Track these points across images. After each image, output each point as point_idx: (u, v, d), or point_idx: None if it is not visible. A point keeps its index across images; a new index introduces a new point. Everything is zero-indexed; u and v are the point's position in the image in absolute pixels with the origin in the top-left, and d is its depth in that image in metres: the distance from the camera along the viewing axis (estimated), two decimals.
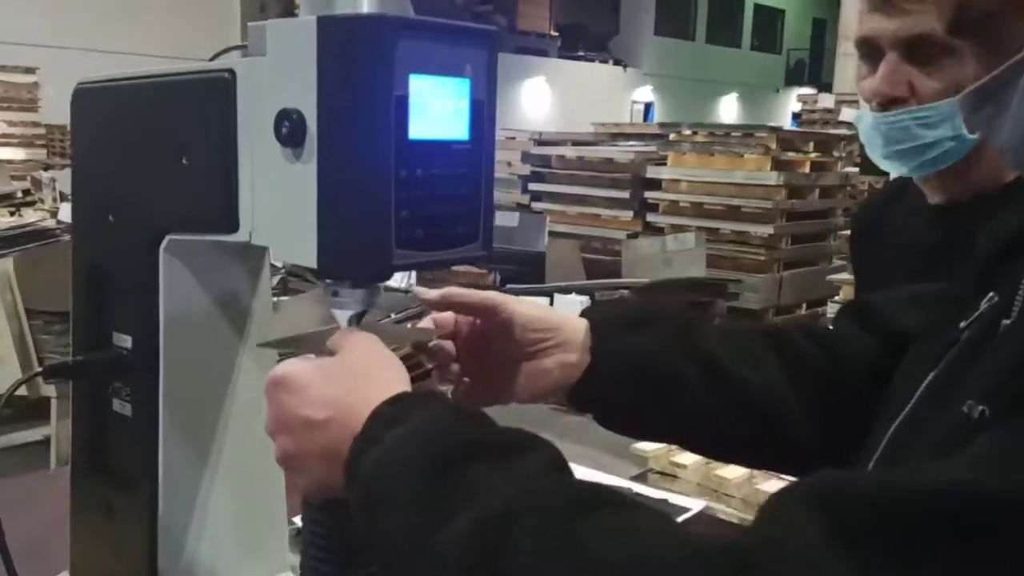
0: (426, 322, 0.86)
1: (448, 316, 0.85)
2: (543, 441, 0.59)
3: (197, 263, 0.88)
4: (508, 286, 5.38)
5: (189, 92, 0.82)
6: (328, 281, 0.76)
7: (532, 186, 7.31)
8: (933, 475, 0.48)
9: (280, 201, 0.75)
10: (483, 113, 0.74)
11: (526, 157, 7.36)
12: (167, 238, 0.85)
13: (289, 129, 0.71)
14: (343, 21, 0.69)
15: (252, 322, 0.92)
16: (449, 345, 0.85)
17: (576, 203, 6.90)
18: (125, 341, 0.91)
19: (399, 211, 0.69)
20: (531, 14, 17.98)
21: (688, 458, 3.05)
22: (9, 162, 9.21)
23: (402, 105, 0.68)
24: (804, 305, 6.12)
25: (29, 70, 9.26)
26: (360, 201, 0.69)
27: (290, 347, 0.77)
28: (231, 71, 0.77)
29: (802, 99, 10.55)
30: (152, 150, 0.86)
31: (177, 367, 0.88)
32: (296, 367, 0.68)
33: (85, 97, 0.93)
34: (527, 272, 6.00)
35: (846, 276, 4.36)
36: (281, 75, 0.73)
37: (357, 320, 0.77)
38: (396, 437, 0.59)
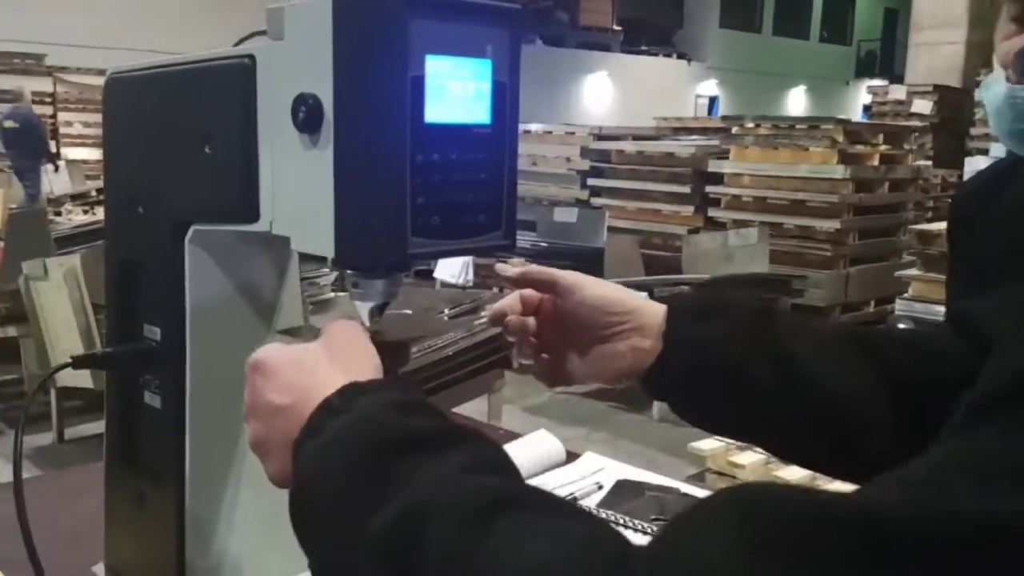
0: (510, 299, 0.85)
1: (532, 293, 0.85)
2: (481, 437, 0.57)
3: (222, 254, 0.87)
4: None
5: (211, 79, 0.81)
6: (349, 272, 0.74)
7: (591, 181, 7.26)
8: (860, 496, 0.45)
9: (299, 189, 0.73)
10: (505, 96, 0.72)
11: (585, 152, 7.32)
12: (191, 228, 0.84)
13: (306, 114, 0.70)
14: (358, 0, 0.66)
15: (280, 313, 0.91)
16: (531, 322, 0.85)
17: (636, 198, 6.83)
18: (155, 333, 0.91)
19: (415, 198, 0.67)
20: (593, 9, 17.88)
21: (746, 458, 3.00)
22: (84, 162, 9.50)
23: (418, 87, 0.66)
24: (872, 303, 5.96)
25: (101, 72, 9.50)
26: (375, 188, 0.67)
27: (309, 336, 0.75)
28: (251, 56, 0.76)
29: (872, 91, 10.28)
30: (177, 139, 0.85)
31: (203, 359, 0.87)
32: (272, 351, 0.67)
33: (115, 87, 0.93)
34: (585, 268, 5.93)
35: (915, 272, 4.23)
36: (298, 59, 0.71)
37: (379, 312, 0.75)
38: (336, 427, 0.58)
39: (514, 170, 0.73)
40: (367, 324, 0.76)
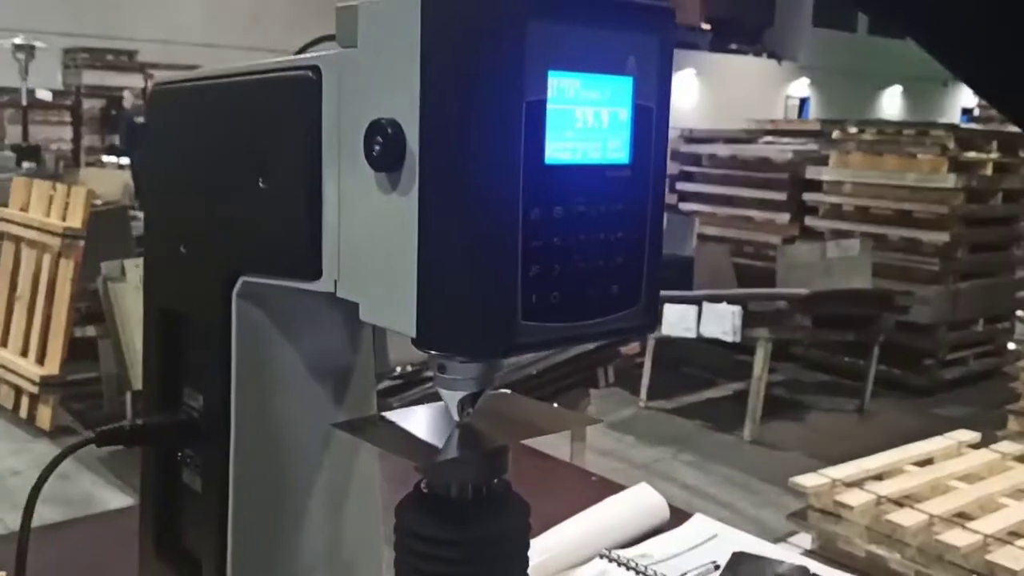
0: None
1: None
2: None
3: (279, 311, 0.70)
4: None
5: (267, 96, 0.64)
6: (433, 352, 0.56)
7: (680, 185, 6.99)
8: None
9: (373, 244, 0.56)
10: (651, 126, 0.53)
11: (674, 155, 7.05)
12: (240, 280, 0.68)
13: (383, 147, 0.52)
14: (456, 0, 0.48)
15: (351, 387, 0.74)
16: None
17: (727, 204, 6.54)
18: (197, 400, 0.75)
19: (529, 266, 0.49)
20: (681, 5, 17.48)
21: (855, 497, 2.74)
22: None
23: (537, 115, 0.48)
24: (981, 321, 5.57)
25: (190, 67, 9.60)
26: (474, 250, 0.49)
27: (369, 434, 0.58)
28: (315, 68, 0.59)
29: None
30: (227, 168, 0.68)
31: (251, 436, 0.71)
32: None
33: (161, 100, 0.77)
34: (674, 278, 5.72)
35: None
36: (375, 74, 0.54)
37: (471, 402, 0.58)
38: None
39: (659, 223, 0.54)
40: (456, 418, 0.58)
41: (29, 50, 8.08)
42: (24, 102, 8.24)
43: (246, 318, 0.69)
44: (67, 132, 9.33)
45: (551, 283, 0.49)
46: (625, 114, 0.52)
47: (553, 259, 0.49)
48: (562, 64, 0.48)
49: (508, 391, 0.68)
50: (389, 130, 0.52)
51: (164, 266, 0.78)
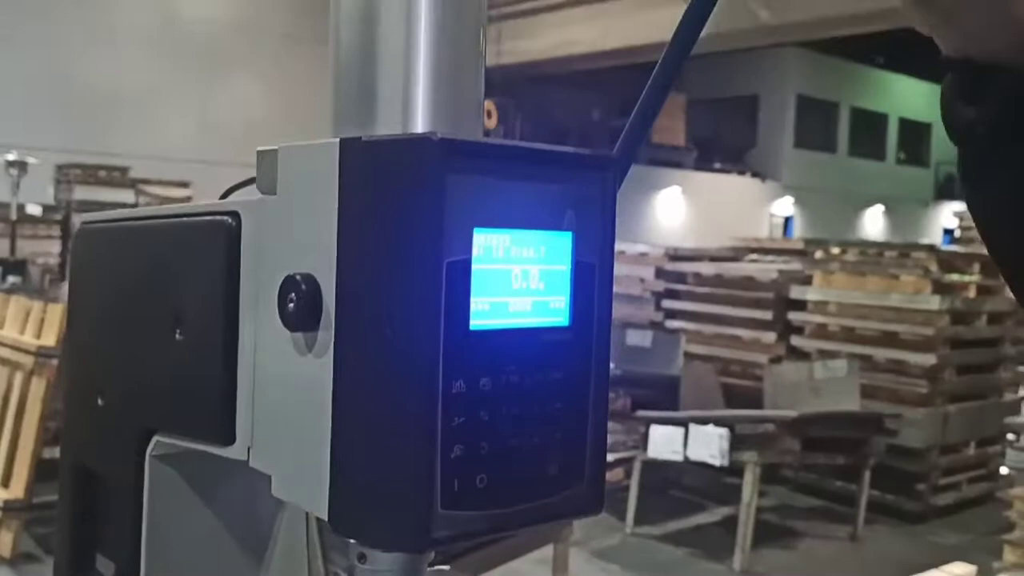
0: None
1: None
2: None
3: (196, 473, 0.63)
4: (639, 412, 5.02)
5: (188, 240, 0.59)
6: (348, 539, 0.49)
7: (666, 303, 6.98)
8: None
9: (286, 410, 0.50)
10: (593, 284, 0.48)
11: (659, 273, 7.07)
12: (154, 439, 0.61)
13: (298, 305, 0.47)
14: (373, 145, 0.44)
15: (277, 558, 0.67)
16: None
17: (714, 322, 6.51)
18: (109, 569, 0.67)
19: (450, 446, 0.43)
20: (666, 127, 17.93)
21: None
22: None
23: (459, 276, 0.43)
24: (972, 444, 5.48)
25: (183, 184, 9.71)
26: (388, 425, 0.43)
27: None
28: (235, 214, 0.54)
29: (959, 215, 9.89)
30: (146, 315, 0.63)
31: None
32: None
33: (84, 240, 0.72)
34: (660, 396, 5.63)
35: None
36: (293, 224, 0.49)
37: None
38: None
39: (604, 393, 0.49)
40: None
41: (22, 166, 8.15)
42: (14, 217, 8.26)
43: (160, 480, 0.62)
44: (55, 246, 9.33)
45: (476, 465, 0.43)
46: (564, 271, 0.47)
47: (479, 437, 0.44)
48: (490, 221, 0.44)
49: (446, 568, 0.61)
50: (304, 286, 0.47)
51: (80, 419, 0.71)
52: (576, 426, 0.48)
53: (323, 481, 0.46)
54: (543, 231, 0.46)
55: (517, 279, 0.45)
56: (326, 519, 0.46)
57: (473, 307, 0.43)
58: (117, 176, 9.75)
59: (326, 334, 0.46)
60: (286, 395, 0.50)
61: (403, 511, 0.43)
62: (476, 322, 0.43)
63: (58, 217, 9.39)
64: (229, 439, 0.54)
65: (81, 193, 9.40)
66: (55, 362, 3.95)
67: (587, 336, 0.47)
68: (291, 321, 0.48)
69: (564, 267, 0.47)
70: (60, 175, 9.83)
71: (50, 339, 4.03)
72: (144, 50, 11.50)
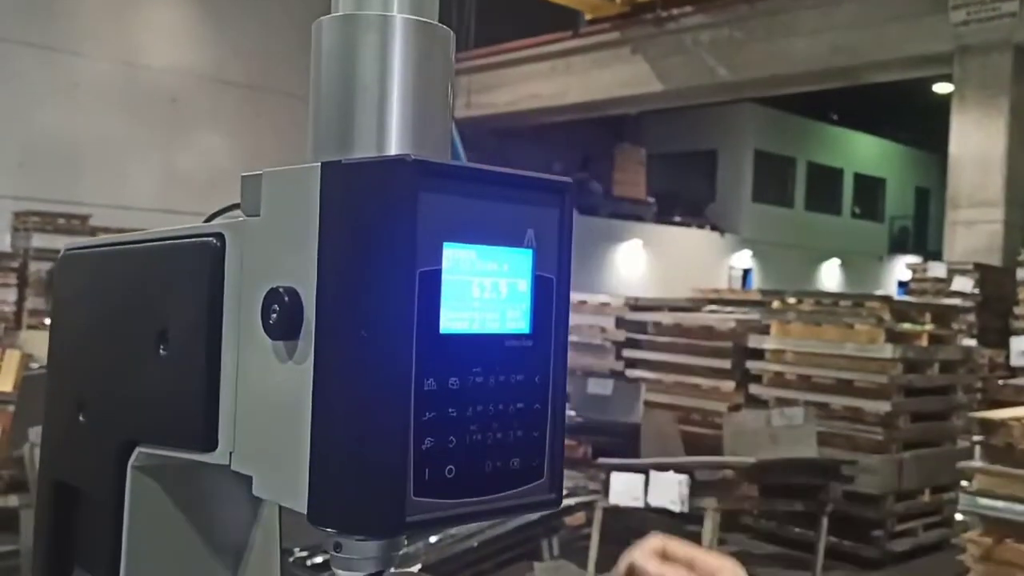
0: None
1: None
2: None
3: (176, 484, 0.66)
4: (600, 460, 5.05)
5: (171, 262, 0.63)
6: (326, 529, 0.53)
7: (627, 353, 7.05)
8: None
9: (267, 415, 0.54)
10: (551, 295, 0.53)
11: (620, 322, 7.15)
12: (137, 450, 0.65)
13: (280, 316, 0.51)
14: (352, 168, 0.49)
15: (251, 564, 0.70)
16: None
17: (673, 371, 6.58)
18: None
19: (422, 439, 0.47)
20: (626, 181, 18.22)
21: None
22: None
23: (430, 284, 0.47)
24: (927, 491, 5.57)
25: (139, 231, 9.64)
26: (366, 423, 0.47)
27: None
28: (220, 235, 0.58)
29: (912, 268, 10.13)
30: (130, 334, 0.66)
31: None
32: None
33: (68, 265, 0.76)
34: (621, 444, 5.67)
35: (979, 463, 3.90)
36: (276, 241, 0.54)
37: None
38: None
39: (562, 394, 0.53)
40: None
41: None
42: None
43: (140, 491, 0.65)
44: (11, 294, 9.21)
45: (445, 457, 0.48)
46: (524, 285, 0.52)
47: (448, 431, 0.48)
48: (458, 236, 0.48)
49: (415, 570, 0.64)
50: (286, 298, 0.51)
51: (61, 436, 0.74)
52: (537, 426, 0.52)
53: (302, 477, 0.50)
54: (506, 247, 0.51)
55: (484, 289, 0.50)
56: (304, 513, 0.50)
57: (443, 313, 0.48)
58: (77, 224, 9.69)
59: (306, 342, 0.51)
60: (267, 400, 0.54)
61: (379, 497, 0.46)
62: (446, 326, 0.48)
63: (15, 264, 9.30)
64: (211, 445, 0.58)
65: (39, 240, 9.32)
66: (11, 408, 3.90)
67: (546, 342, 0.52)
68: (274, 331, 0.52)
69: (525, 281, 0.52)
70: (18, 222, 9.75)
71: (7, 385, 3.98)
72: (106, 101, 11.51)
